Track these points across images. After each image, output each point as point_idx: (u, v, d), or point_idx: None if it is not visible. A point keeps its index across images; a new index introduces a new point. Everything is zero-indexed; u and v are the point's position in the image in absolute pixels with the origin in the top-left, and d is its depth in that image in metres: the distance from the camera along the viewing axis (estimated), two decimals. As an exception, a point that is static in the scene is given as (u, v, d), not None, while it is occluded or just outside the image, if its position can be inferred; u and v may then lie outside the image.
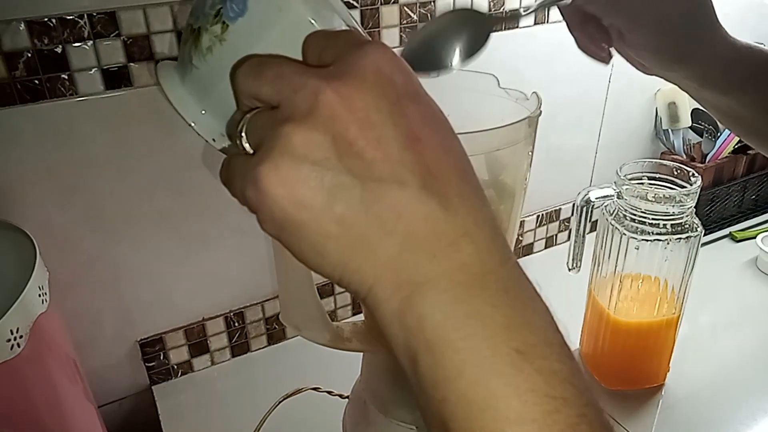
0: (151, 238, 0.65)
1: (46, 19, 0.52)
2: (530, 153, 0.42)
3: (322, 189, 0.22)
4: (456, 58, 0.38)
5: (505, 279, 0.23)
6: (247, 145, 0.24)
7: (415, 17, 0.70)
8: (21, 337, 0.40)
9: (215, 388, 0.72)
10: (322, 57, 0.24)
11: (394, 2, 0.68)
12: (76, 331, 0.64)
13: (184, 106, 0.32)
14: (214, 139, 0.32)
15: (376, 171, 0.22)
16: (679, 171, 0.61)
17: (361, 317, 0.54)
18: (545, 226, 0.96)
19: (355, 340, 0.45)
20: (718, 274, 0.87)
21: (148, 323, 0.69)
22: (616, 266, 0.63)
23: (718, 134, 0.93)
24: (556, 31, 0.81)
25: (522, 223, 0.93)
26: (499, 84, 0.45)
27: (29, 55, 0.53)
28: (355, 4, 0.65)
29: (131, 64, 0.57)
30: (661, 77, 0.45)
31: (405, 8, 0.69)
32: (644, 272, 0.63)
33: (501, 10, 0.75)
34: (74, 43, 0.54)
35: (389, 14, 0.68)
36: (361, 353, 0.50)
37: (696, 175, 0.60)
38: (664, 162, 0.63)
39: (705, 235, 0.62)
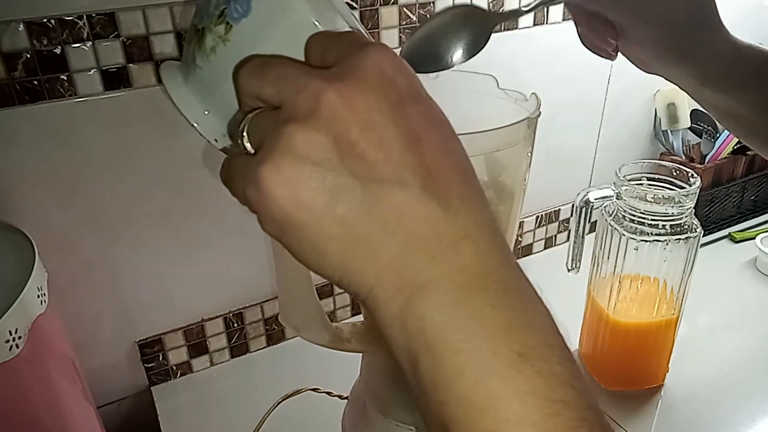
0: (151, 238, 0.65)
1: (45, 20, 0.52)
2: (529, 154, 0.42)
3: (324, 190, 0.22)
4: (457, 54, 0.38)
5: (505, 280, 0.23)
6: (248, 145, 0.24)
7: (414, 18, 0.70)
8: (20, 337, 0.40)
9: (214, 388, 0.72)
10: (324, 58, 0.24)
11: (393, 3, 0.68)
12: (76, 332, 0.64)
13: (187, 107, 0.31)
14: (216, 140, 0.32)
15: (377, 172, 0.22)
16: (678, 172, 0.61)
17: (360, 318, 0.54)
18: (544, 227, 0.96)
19: (354, 341, 0.45)
20: (717, 275, 0.87)
21: (147, 324, 0.69)
22: (615, 267, 0.63)
23: (718, 135, 0.93)
24: (556, 32, 0.81)
25: (521, 224, 0.93)
26: (498, 85, 0.45)
27: (28, 55, 0.53)
28: (354, 5, 0.65)
29: (130, 64, 0.57)
30: (662, 75, 0.45)
31: (404, 9, 0.69)
32: (643, 273, 0.63)
33: (500, 10, 0.75)
34: (73, 43, 0.54)
35: (388, 15, 0.68)
36: (361, 354, 0.50)
37: (695, 175, 0.60)
38: (664, 163, 0.63)
39: (704, 235, 0.62)
